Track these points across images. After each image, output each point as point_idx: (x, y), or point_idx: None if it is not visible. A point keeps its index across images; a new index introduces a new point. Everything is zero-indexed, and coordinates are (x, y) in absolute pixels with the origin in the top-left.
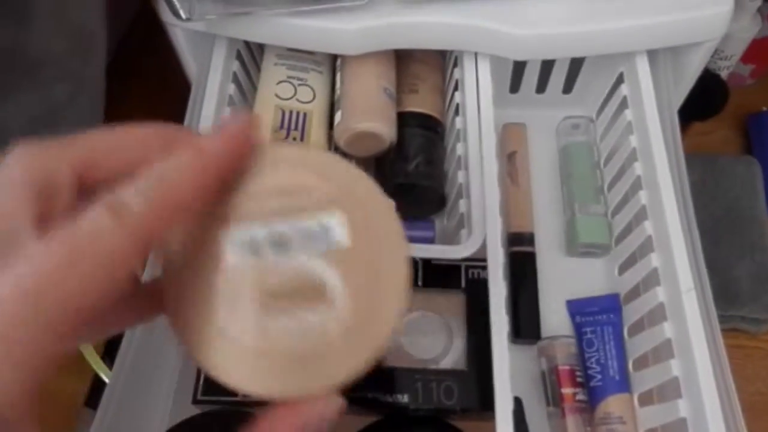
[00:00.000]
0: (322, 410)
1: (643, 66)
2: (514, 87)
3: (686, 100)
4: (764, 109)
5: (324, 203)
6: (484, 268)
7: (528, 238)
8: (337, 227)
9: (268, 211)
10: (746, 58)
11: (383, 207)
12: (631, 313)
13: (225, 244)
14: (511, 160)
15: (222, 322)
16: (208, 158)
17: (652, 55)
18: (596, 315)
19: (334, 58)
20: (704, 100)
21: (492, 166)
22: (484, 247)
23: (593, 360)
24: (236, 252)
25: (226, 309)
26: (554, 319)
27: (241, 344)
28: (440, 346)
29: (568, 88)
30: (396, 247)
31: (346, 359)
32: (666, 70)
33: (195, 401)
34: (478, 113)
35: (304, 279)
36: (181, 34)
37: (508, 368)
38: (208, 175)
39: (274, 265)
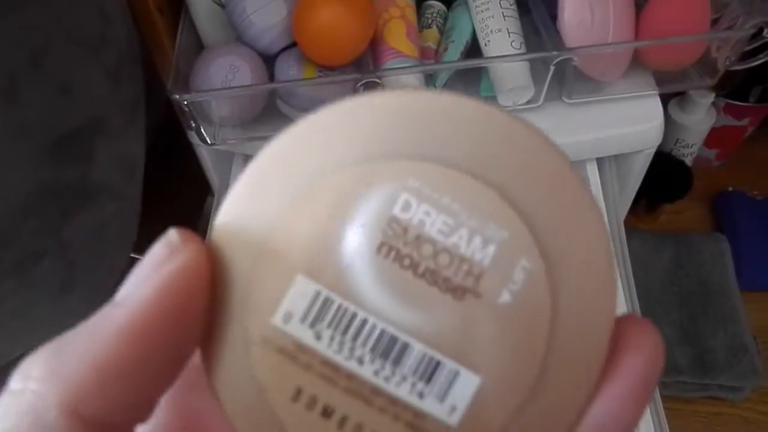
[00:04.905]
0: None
1: (592, 170)
2: None
3: (656, 184)
4: (730, 188)
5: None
6: None
7: None
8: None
9: None
10: (710, 143)
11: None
12: None
13: None
14: None
15: None
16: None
17: (600, 161)
18: None
19: None
20: (672, 185)
21: None
22: None
23: None
24: None
25: None
26: None
27: None
28: None
29: None
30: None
31: None
32: (612, 174)
33: None
34: None
35: None
36: (205, 151)
37: None
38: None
39: None
